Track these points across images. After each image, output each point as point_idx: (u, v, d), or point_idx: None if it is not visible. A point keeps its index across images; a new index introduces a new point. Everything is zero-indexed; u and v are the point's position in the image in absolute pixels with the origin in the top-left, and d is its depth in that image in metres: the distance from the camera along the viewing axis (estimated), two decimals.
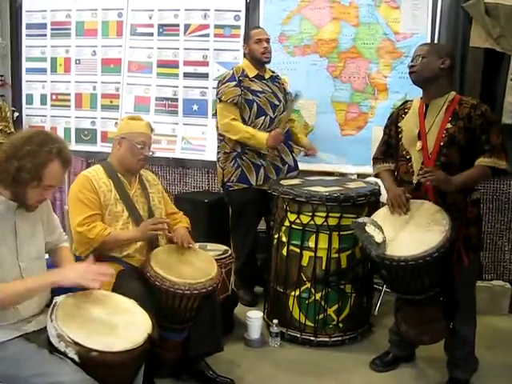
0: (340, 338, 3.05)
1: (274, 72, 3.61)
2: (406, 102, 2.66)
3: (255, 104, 3.39)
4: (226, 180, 3.50)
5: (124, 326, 1.87)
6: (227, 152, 3.47)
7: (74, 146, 4.42)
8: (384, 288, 3.47)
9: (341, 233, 2.96)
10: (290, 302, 3.07)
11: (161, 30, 4.24)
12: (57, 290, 2.03)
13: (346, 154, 3.89)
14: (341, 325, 3.05)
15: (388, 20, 3.76)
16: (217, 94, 3.44)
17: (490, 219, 3.74)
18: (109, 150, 2.69)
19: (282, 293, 3.10)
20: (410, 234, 2.36)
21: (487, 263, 3.77)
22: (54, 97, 4.58)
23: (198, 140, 4.24)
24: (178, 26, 4.19)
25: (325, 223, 2.95)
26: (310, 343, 3.03)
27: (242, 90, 3.37)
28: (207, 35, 4.13)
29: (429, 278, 2.30)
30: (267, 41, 3.48)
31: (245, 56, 3.56)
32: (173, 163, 4.32)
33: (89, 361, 1.71)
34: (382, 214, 2.53)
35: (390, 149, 2.65)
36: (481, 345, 2.72)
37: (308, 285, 3.01)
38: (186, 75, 4.22)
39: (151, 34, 4.26)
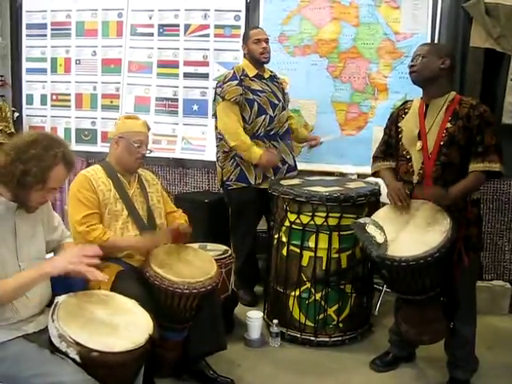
0: (340, 338, 3.05)
1: (272, 72, 3.61)
2: (406, 102, 2.66)
3: (256, 103, 3.40)
4: (225, 179, 3.51)
5: (125, 326, 1.87)
6: (226, 151, 3.47)
7: (74, 146, 4.41)
8: (384, 288, 3.47)
9: (341, 233, 2.96)
10: (290, 302, 3.07)
11: (161, 30, 4.24)
12: (58, 290, 2.04)
13: (346, 154, 3.89)
14: (341, 325, 3.05)
15: (388, 20, 3.76)
16: (219, 94, 3.41)
17: (491, 219, 3.74)
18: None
19: (282, 293, 3.11)
20: (411, 234, 2.36)
21: (487, 263, 3.77)
22: (54, 97, 4.58)
23: (198, 140, 4.25)
24: (178, 26, 4.19)
25: (325, 223, 2.95)
26: (310, 343, 3.03)
27: (243, 90, 3.37)
28: (207, 35, 4.13)
29: (429, 279, 2.30)
30: (266, 41, 3.48)
31: (244, 56, 3.56)
32: (173, 163, 4.32)
33: (90, 361, 1.71)
34: (382, 214, 2.53)
35: (390, 149, 2.65)
36: (481, 345, 2.72)
37: (308, 285, 3.01)
38: (186, 75, 4.22)
39: (151, 34, 4.26)
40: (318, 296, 3.00)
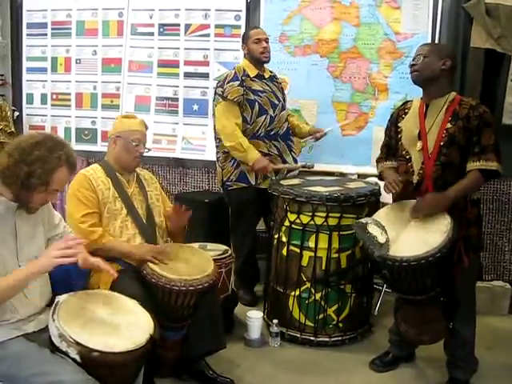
0: (340, 338, 3.05)
1: (272, 72, 3.61)
2: (406, 102, 2.66)
3: (257, 103, 3.39)
4: (225, 179, 3.51)
5: (126, 326, 1.88)
6: (226, 152, 3.47)
7: (74, 146, 4.32)
8: (384, 288, 3.47)
9: (341, 233, 2.96)
10: (290, 302, 3.07)
11: (161, 30, 4.24)
12: (58, 289, 2.04)
13: (346, 154, 3.89)
14: (341, 325, 3.06)
15: (389, 20, 3.75)
16: (219, 94, 3.40)
17: (490, 219, 3.74)
18: None
19: (282, 293, 3.11)
20: (412, 234, 2.36)
21: (487, 264, 3.77)
22: (54, 96, 4.57)
23: (198, 140, 4.24)
24: (178, 25, 4.19)
25: (325, 223, 2.95)
26: (310, 343, 3.04)
27: (244, 90, 3.37)
28: (208, 35, 4.13)
29: (430, 278, 2.30)
30: (266, 40, 3.48)
31: (244, 56, 3.55)
32: (173, 163, 4.32)
33: (90, 361, 1.72)
34: (382, 214, 2.53)
35: (391, 150, 2.65)
36: (481, 345, 2.72)
37: (308, 285, 3.01)
38: (187, 75, 4.22)
39: (152, 34, 4.25)
40: (317, 296, 3.00)
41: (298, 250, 3.02)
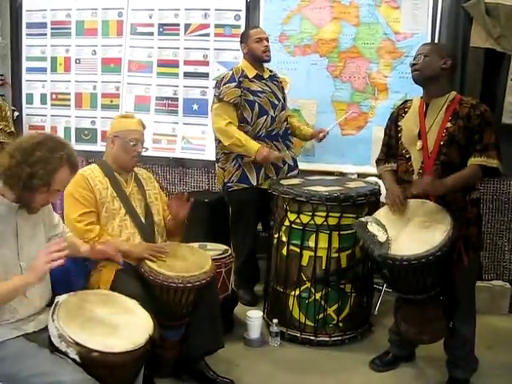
0: (340, 338, 3.05)
1: (271, 71, 3.61)
2: (406, 101, 2.66)
3: (256, 104, 3.39)
4: (226, 180, 3.50)
5: (125, 326, 1.88)
6: (226, 152, 3.47)
7: (74, 146, 4.27)
8: (384, 288, 3.47)
9: (341, 232, 2.96)
10: (290, 302, 3.07)
11: (161, 30, 4.23)
12: (58, 289, 2.04)
13: (346, 153, 3.89)
14: (341, 324, 3.06)
15: (388, 20, 3.75)
16: (216, 95, 3.43)
17: (490, 219, 3.74)
18: None
19: (282, 292, 3.11)
20: (412, 233, 2.36)
21: (487, 263, 3.77)
22: (54, 96, 4.57)
23: (198, 140, 4.24)
24: (178, 25, 4.19)
25: (325, 223, 2.95)
26: (310, 343, 3.04)
27: (242, 92, 3.37)
28: (207, 35, 4.13)
29: (431, 278, 2.30)
30: (267, 40, 3.49)
31: (244, 56, 3.54)
32: (173, 163, 4.32)
33: (90, 361, 1.72)
34: (383, 214, 2.53)
35: (391, 150, 2.65)
36: (480, 344, 2.72)
37: (308, 284, 3.01)
38: (187, 75, 4.21)
39: (151, 34, 4.25)
40: (317, 295, 3.00)
41: (298, 250, 3.02)
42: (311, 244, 2.98)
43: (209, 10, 4.11)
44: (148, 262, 2.36)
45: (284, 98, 3.60)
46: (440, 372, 2.70)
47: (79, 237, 2.35)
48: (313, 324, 3.03)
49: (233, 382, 2.60)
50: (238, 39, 3.64)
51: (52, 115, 4.59)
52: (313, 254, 2.98)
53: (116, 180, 2.56)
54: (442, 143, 2.40)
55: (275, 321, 3.05)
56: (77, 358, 1.71)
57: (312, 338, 3.04)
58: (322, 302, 3.01)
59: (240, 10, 4.05)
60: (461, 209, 2.40)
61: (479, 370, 2.62)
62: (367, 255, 2.54)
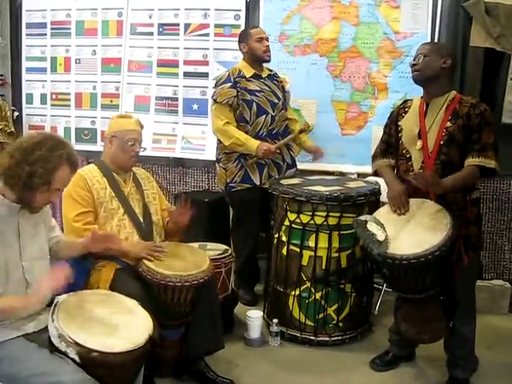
0: (340, 338, 3.05)
1: (271, 70, 3.60)
2: (406, 101, 2.66)
3: (254, 104, 3.39)
4: (228, 181, 3.49)
5: (125, 326, 1.88)
6: (228, 152, 3.47)
7: (74, 146, 4.34)
8: (384, 287, 3.47)
9: (341, 232, 2.96)
10: (290, 302, 3.07)
11: (161, 30, 4.23)
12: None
13: (346, 153, 3.89)
14: (341, 324, 3.05)
15: (388, 19, 3.75)
16: (212, 95, 3.46)
17: (490, 218, 3.74)
18: None
19: (282, 292, 3.11)
20: (412, 232, 2.36)
21: (487, 262, 3.77)
22: (54, 96, 4.57)
23: (198, 139, 4.24)
24: (178, 25, 4.18)
25: (325, 223, 2.95)
26: (310, 342, 3.04)
27: (238, 92, 3.37)
28: (207, 34, 4.13)
29: (430, 277, 2.30)
30: (267, 39, 3.49)
31: (243, 56, 3.53)
32: (173, 163, 4.32)
33: (89, 361, 1.72)
34: (383, 213, 2.53)
35: (390, 148, 2.65)
36: (481, 344, 2.72)
37: (308, 284, 3.01)
38: (186, 74, 4.21)
39: (151, 34, 4.25)
40: (317, 295, 3.00)
41: (298, 250, 3.02)
42: (311, 244, 2.98)
43: (208, 9, 4.11)
44: (146, 262, 2.37)
45: (285, 98, 3.60)
46: (440, 372, 2.70)
47: (77, 236, 2.35)
48: (313, 324, 3.03)
49: (233, 382, 2.60)
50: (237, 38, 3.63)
51: (52, 115, 4.59)
52: (313, 253, 2.98)
53: (114, 180, 2.56)
54: (441, 143, 2.40)
55: (275, 321, 3.05)
56: (76, 357, 1.72)
57: (312, 337, 3.04)
58: (322, 302, 3.01)
59: (240, 10, 4.05)
60: (461, 208, 2.40)
61: (479, 370, 2.62)
62: (367, 255, 2.54)
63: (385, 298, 3.47)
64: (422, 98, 2.54)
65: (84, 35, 4.42)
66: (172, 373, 2.60)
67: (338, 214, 2.94)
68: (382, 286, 3.49)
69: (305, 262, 3.01)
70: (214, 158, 3.68)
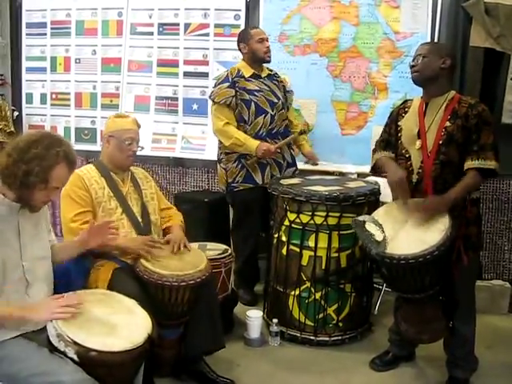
0: (340, 338, 3.05)
1: (271, 70, 3.60)
2: (406, 101, 2.66)
3: (253, 103, 3.39)
4: (230, 181, 3.48)
5: (124, 325, 1.88)
6: (228, 152, 3.46)
7: (73, 145, 4.36)
8: (384, 287, 3.47)
9: (340, 232, 2.96)
10: (290, 302, 3.07)
11: (161, 29, 4.24)
12: (57, 289, 2.04)
13: (345, 153, 3.89)
14: (341, 324, 3.05)
15: (388, 19, 3.75)
16: (210, 96, 3.46)
17: (490, 218, 3.74)
18: None
19: (282, 292, 3.11)
20: (410, 232, 2.36)
21: (487, 262, 3.77)
22: (53, 96, 4.58)
23: (197, 139, 4.24)
24: (178, 25, 4.19)
25: (324, 222, 2.95)
26: (310, 342, 3.04)
27: (236, 91, 3.36)
28: (207, 34, 4.13)
29: (429, 277, 2.30)
30: (267, 40, 3.49)
31: (242, 56, 3.52)
32: (173, 162, 4.32)
33: (88, 360, 1.72)
34: (381, 213, 2.52)
35: (389, 145, 2.64)
36: (480, 344, 2.72)
37: (308, 284, 3.01)
38: (186, 74, 4.21)
39: (151, 33, 4.25)
40: (317, 295, 3.00)
41: (297, 250, 3.02)
42: (311, 244, 2.98)
43: (208, 9, 4.11)
44: (143, 262, 2.37)
45: (286, 98, 3.60)
46: (440, 372, 2.70)
47: (74, 236, 2.36)
48: (313, 324, 3.03)
49: (233, 382, 2.60)
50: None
51: (52, 115, 4.59)
52: (312, 253, 2.98)
53: (112, 180, 2.57)
54: (440, 142, 2.40)
55: (275, 320, 3.05)
56: (75, 357, 1.71)
57: (312, 337, 3.04)
58: (322, 302, 3.01)
59: (240, 10, 4.05)
60: (460, 208, 2.40)
61: (479, 370, 2.62)
62: (367, 255, 2.54)
63: (385, 298, 3.47)
64: (421, 97, 2.54)
65: (84, 35, 4.42)
66: (171, 373, 2.60)
67: (337, 214, 2.94)
68: (382, 285, 3.49)
69: (304, 261, 3.01)
70: (214, 158, 3.69)
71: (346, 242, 2.98)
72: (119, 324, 1.88)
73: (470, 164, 2.35)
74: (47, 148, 1.85)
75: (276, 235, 3.13)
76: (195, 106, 4.22)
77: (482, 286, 3.46)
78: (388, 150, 2.64)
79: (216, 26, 4.11)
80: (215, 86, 3.44)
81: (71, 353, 1.72)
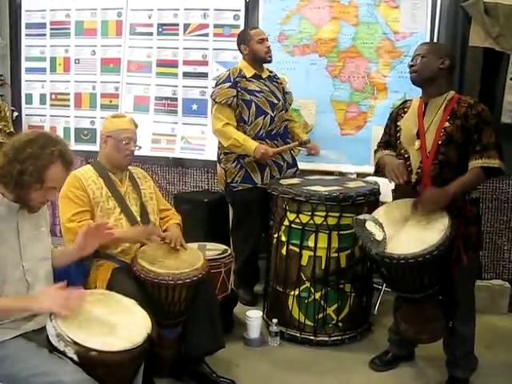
0: (339, 338, 3.05)
1: (271, 72, 3.60)
2: (406, 101, 2.67)
3: (253, 104, 3.39)
4: (229, 181, 3.49)
5: (123, 325, 1.88)
6: (228, 152, 3.46)
7: (73, 146, 4.41)
8: (383, 287, 3.47)
9: (340, 232, 2.96)
10: (290, 302, 3.07)
11: (160, 30, 4.24)
12: None
13: (345, 153, 3.89)
14: (340, 324, 3.05)
15: (387, 19, 3.75)
16: (211, 95, 3.45)
17: (490, 218, 3.74)
18: None
19: (282, 292, 3.11)
20: (410, 232, 2.36)
21: (486, 262, 3.77)
22: (53, 96, 4.58)
23: (197, 139, 4.24)
24: (177, 25, 4.19)
25: (324, 222, 2.95)
26: (310, 342, 3.04)
27: (238, 91, 3.36)
28: (206, 35, 4.13)
29: (428, 276, 2.30)
30: (267, 40, 3.49)
31: (243, 57, 3.53)
32: (172, 163, 4.32)
33: (88, 360, 1.71)
34: (381, 212, 2.52)
35: (390, 147, 2.65)
36: (480, 344, 2.72)
37: (307, 284, 3.01)
38: (186, 75, 4.22)
39: (150, 34, 4.25)
40: (317, 295, 3.00)
41: (297, 250, 3.02)
42: (311, 244, 2.98)
43: (208, 10, 4.11)
44: (140, 261, 2.38)
45: (285, 99, 3.60)
46: (440, 371, 2.70)
47: (73, 238, 2.36)
48: (312, 324, 3.03)
49: (234, 383, 2.60)
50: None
51: (51, 115, 4.59)
52: (312, 253, 2.98)
53: (110, 180, 2.57)
54: (440, 143, 2.40)
55: (275, 320, 3.05)
56: (75, 357, 1.71)
57: (311, 337, 3.04)
58: (322, 302, 3.01)
59: (239, 10, 4.05)
60: (460, 208, 2.40)
61: (479, 370, 2.62)
62: (366, 255, 2.53)
63: (384, 298, 3.47)
64: (420, 98, 2.54)
65: (83, 35, 4.43)
66: (171, 373, 2.59)
67: (337, 214, 2.94)
68: (382, 285, 3.49)
69: (304, 261, 3.01)
70: (214, 158, 3.69)
71: (345, 242, 2.98)
72: (119, 324, 1.88)
73: (474, 163, 2.35)
74: (42, 147, 1.84)
75: (276, 235, 3.13)
76: (195, 107, 4.22)
77: (482, 285, 3.46)
78: (389, 149, 2.65)
79: (215, 26, 4.11)
80: (216, 85, 3.44)
81: (71, 352, 1.72)
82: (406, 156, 2.51)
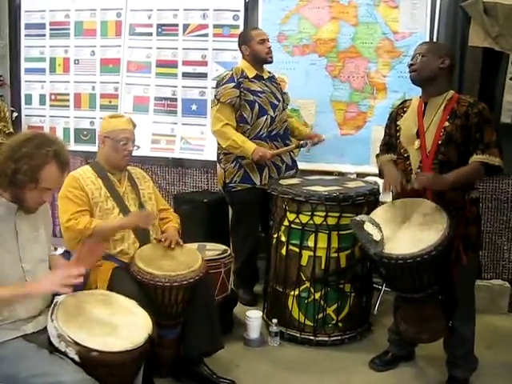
0: (339, 338, 3.05)
1: (270, 72, 3.61)
2: (405, 101, 2.67)
3: (256, 104, 3.39)
4: (228, 181, 3.49)
5: (124, 326, 1.88)
6: (227, 153, 3.46)
7: (73, 146, 4.42)
8: (383, 287, 3.47)
9: (340, 232, 2.96)
10: (290, 302, 3.07)
11: (160, 30, 4.23)
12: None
13: (345, 153, 3.89)
14: (340, 324, 3.06)
15: (387, 19, 3.75)
16: (215, 95, 3.44)
17: (489, 218, 3.74)
18: None
19: (282, 292, 3.11)
20: (408, 232, 2.36)
21: (486, 262, 3.77)
22: (52, 97, 4.57)
23: (196, 140, 4.24)
24: (176, 25, 4.19)
25: (324, 223, 2.95)
26: (310, 342, 3.04)
27: (241, 92, 3.36)
28: (206, 35, 4.13)
29: (427, 276, 2.30)
30: (268, 40, 3.49)
31: (244, 57, 3.53)
32: (172, 163, 4.32)
33: (89, 361, 1.72)
34: (380, 213, 2.52)
35: (391, 148, 2.65)
36: (480, 344, 2.72)
37: (307, 284, 3.01)
38: (185, 75, 4.21)
39: (150, 34, 4.25)
40: (317, 295, 3.00)
41: (297, 250, 3.02)
42: (310, 244, 2.98)
43: (207, 10, 4.11)
44: (137, 263, 2.38)
45: (284, 99, 3.60)
46: (440, 371, 2.70)
47: (73, 235, 2.36)
48: (312, 324, 3.03)
49: (234, 383, 2.60)
50: (237, 39, 3.62)
51: (51, 116, 4.59)
52: (312, 253, 2.98)
53: (109, 180, 2.57)
54: (439, 142, 2.40)
55: (274, 321, 3.05)
56: (76, 357, 1.72)
57: (311, 337, 3.04)
58: (322, 302, 3.01)
59: (239, 11, 4.05)
60: (459, 208, 2.40)
61: (479, 370, 2.62)
62: (366, 255, 2.54)
63: (384, 298, 3.47)
64: (420, 97, 2.54)
65: (83, 36, 4.43)
66: (170, 373, 2.59)
67: (337, 214, 2.94)
68: (382, 285, 3.49)
69: (304, 262, 3.01)
70: (213, 159, 3.69)
71: (345, 242, 2.98)
72: (119, 324, 1.88)
73: (475, 158, 2.35)
74: (37, 147, 1.84)
75: (275, 235, 3.13)
76: (194, 107, 4.22)
77: (482, 285, 3.46)
78: (391, 152, 2.65)
79: (215, 26, 4.11)
80: (220, 85, 3.42)
81: (72, 353, 1.72)
82: (406, 155, 2.51)
